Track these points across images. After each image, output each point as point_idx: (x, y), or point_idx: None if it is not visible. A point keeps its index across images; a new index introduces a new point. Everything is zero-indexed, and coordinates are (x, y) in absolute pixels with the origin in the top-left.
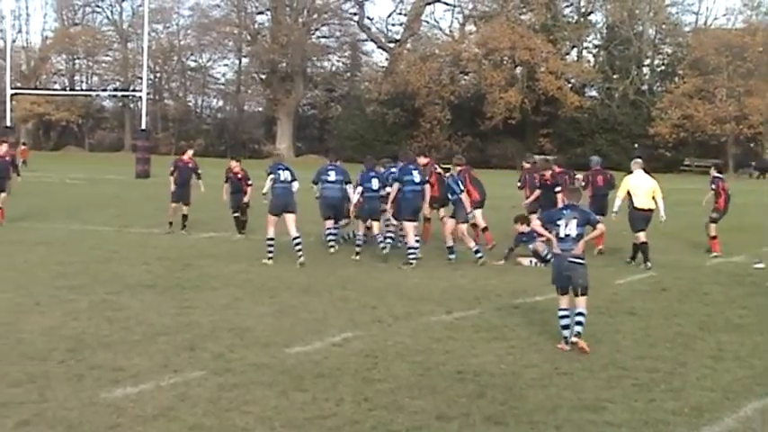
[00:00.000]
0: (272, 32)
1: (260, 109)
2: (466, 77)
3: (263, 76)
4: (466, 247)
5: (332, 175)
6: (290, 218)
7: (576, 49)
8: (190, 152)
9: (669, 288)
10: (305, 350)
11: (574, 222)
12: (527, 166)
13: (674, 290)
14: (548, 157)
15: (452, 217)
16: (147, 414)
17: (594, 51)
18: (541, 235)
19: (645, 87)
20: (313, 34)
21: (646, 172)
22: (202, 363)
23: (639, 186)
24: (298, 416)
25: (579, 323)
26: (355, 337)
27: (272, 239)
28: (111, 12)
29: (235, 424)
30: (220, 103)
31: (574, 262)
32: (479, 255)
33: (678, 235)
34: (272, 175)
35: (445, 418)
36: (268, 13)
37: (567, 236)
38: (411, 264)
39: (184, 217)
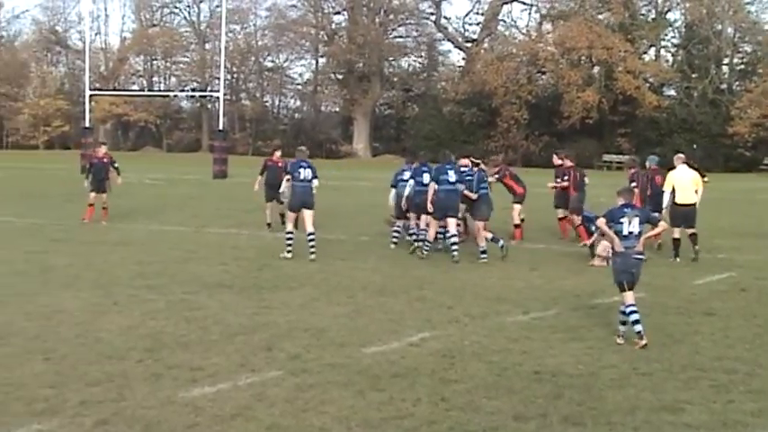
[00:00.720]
0: (349, 32)
1: (337, 109)
2: (543, 77)
3: (340, 77)
4: (475, 244)
5: (425, 177)
6: (308, 214)
7: (653, 48)
8: (278, 153)
9: (748, 288)
10: (381, 350)
11: (636, 220)
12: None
13: (753, 290)
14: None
15: (472, 215)
16: (225, 413)
17: (673, 50)
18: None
19: (724, 86)
20: (390, 34)
21: (690, 166)
22: (279, 363)
23: (682, 180)
24: (374, 416)
25: (639, 320)
26: (432, 337)
27: (291, 234)
28: (189, 13)
29: (311, 424)
30: (297, 103)
31: (638, 259)
32: (484, 255)
33: (756, 234)
34: (288, 175)
35: (522, 419)
36: (345, 13)
37: (631, 233)
38: (423, 255)
39: (282, 216)
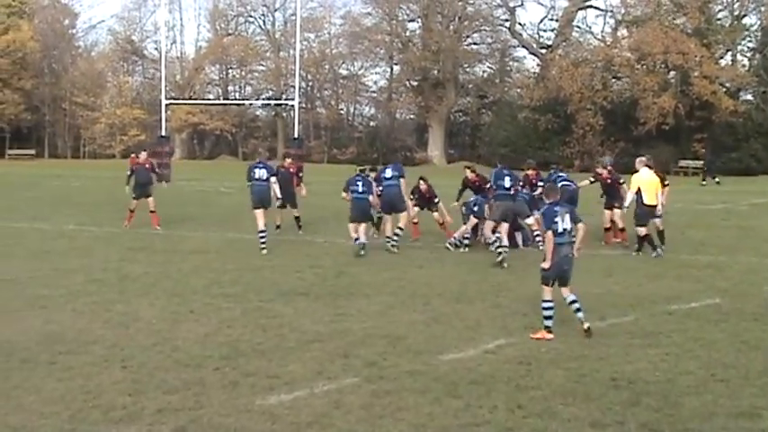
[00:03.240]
0: (424, 40)
1: (412, 116)
2: (618, 82)
3: (415, 84)
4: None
5: (506, 181)
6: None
7: (729, 53)
8: (289, 160)
9: None
10: (458, 357)
11: (567, 217)
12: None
13: None
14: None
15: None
16: (302, 421)
17: (749, 54)
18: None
19: None
20: (464, 41)
21: (651, 169)
22: (356, 370)
23: (647, 182)
24: (451, 423)
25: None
26: (508, 344)
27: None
28: (264, 21)
29: (388, 431)
30: (372, 110)
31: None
32: (467, 245)
33: None
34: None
35: (600, 426)
36: (419, 20)
37: (565, 230)
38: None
39: (297, 218)
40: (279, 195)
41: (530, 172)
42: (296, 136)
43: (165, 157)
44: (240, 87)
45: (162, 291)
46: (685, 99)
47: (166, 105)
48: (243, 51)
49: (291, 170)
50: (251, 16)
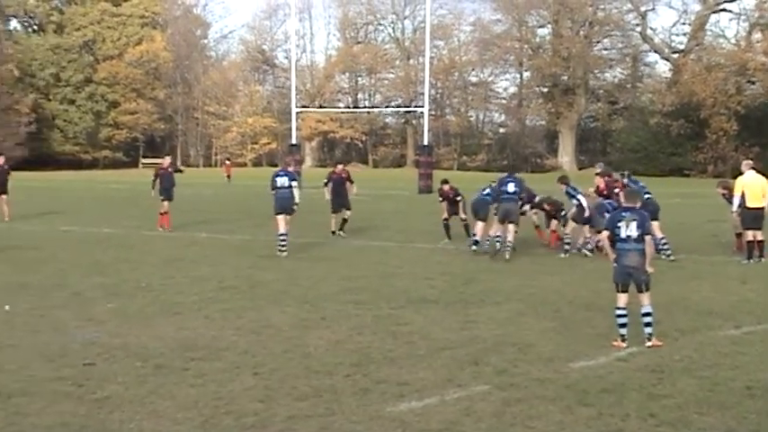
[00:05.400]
0: (554, 46)
1: (542, 122)
2: (753, 87)
3: (545, 90)
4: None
5: (510, 187)
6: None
7: None
8: (340, 166)
9: None
10: (589, 365)
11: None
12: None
13: None
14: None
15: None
16: (432, 428)
17: None
18: None
19: None
20: (595, 46)
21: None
22: (486, 377)
23: (752, 185)
24: (582, 431)
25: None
26: (640, 351)
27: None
28: (393, 29)
29: None
30: (502, 117)
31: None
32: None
33: None
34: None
35: None
36: (549, 26)
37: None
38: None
39: (344, 221)
40: (297, 201)
41: (599, 183)
42: (425, 143)
43: (295, 165)
44: (370, 95)
45: (292, 298)
46: None
47: (297, 114)
48: (372, 60)
49: (343, 175)
50: (380, 24)
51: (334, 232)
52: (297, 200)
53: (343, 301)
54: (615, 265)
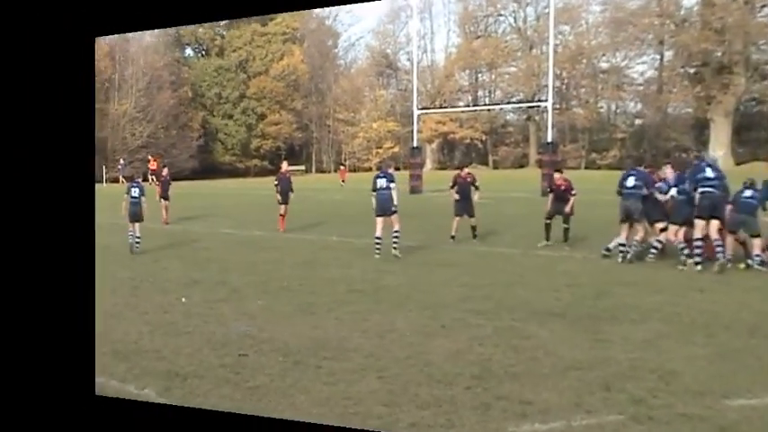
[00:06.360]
0: (704, 17)
1: (688, 110)
2: None
3: (692, 71)
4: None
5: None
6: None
7: None
8: (466, 170)
9: None
10: (751, 404)
11: None
12: None
13: None
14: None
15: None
16: None
17: None
18: None
19: None
20: (758, 12)
21: None
22: (620, 406)
23: None
24: None
25: None
26: None
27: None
28: (515, 18)
29: None
30: (638, 107)
31: None
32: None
33: None
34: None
35: None
36: None
37: None
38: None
39: (473, 229)
40: (396, 202)
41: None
42: (549, 140)
43: (416, 168)
44: (490, 92)
45: (415, 303)
46: None
47: (418, 116)
48: (492, 53)
49: (468, 179)
50: (500, 15)
51: (453, 237)
52: (395, 201)
53: (463, 308)
54: None
